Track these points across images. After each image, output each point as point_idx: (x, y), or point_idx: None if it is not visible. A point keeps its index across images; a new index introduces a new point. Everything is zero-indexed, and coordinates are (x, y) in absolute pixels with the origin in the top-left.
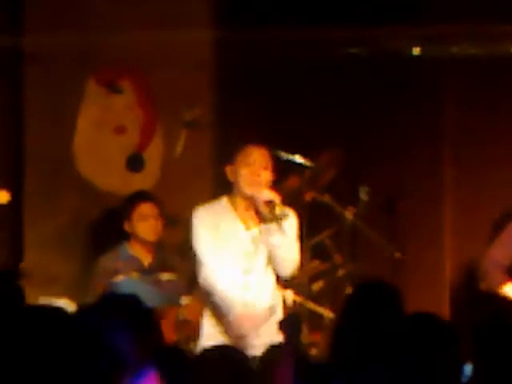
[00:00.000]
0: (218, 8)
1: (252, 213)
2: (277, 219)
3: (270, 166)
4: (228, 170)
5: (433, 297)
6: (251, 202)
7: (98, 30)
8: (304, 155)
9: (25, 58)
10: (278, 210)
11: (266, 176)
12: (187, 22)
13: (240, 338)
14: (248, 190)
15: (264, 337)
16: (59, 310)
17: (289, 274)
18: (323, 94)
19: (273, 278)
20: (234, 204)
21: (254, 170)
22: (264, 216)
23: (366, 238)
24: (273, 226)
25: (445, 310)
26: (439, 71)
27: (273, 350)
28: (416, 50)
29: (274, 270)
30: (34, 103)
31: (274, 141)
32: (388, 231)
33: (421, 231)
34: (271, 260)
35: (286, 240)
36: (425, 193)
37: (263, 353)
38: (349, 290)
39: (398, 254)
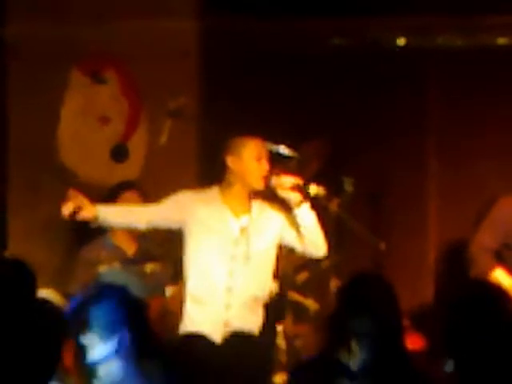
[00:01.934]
0: None
1: (243, 202)
2: (312, 198)
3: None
4: (230, 159)
5: (418, 288)
6: (254, 193)
7: (82, 19)
8: (289, 146)
9: (8, 49)
10: (312, 189)
11: (267, 168)
12: (172, 11)
13: (224, 325)
14: (259, 184)
15: (248, 325)
16: (44, 301)
17: (324, 251)
18: (308, 85)
19: (267, 271)
20: (224, 192)
21: (263, 164)
22: (293, 201)
23: (351, 230)
24: (303, 207)
25: (430, 300)
26: (424, 63)
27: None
28: (401, 41)
29: (308, 252)
30: (18, 94)
31: (259, 131)
32: (373, 222)
33: (405, 222)
34: (305, 243)
35: (314, 217)
36: (409, 184)
37: (230, 341)
38: (333, 282)
39: (382, 245)
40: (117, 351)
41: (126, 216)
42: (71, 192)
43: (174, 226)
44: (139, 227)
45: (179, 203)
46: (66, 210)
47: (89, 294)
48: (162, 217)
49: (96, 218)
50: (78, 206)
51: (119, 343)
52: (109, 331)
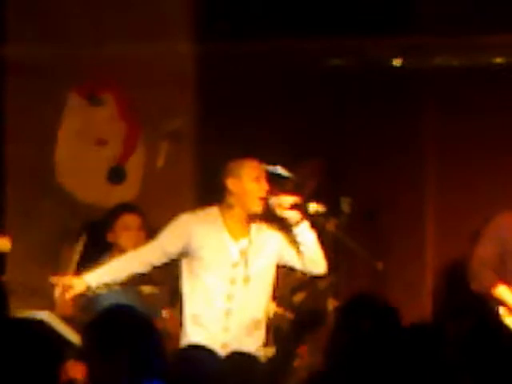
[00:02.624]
0: (200, 21)
1: (243, 225)
2: (312, 216)
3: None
4: (230, 182)
5: (415, 307)
6: (251, 215)
7: (80, 42)
8: (285, 166)
9: (8, 69)
10: (312, 208)
11: (266, 188)
12: (169, 34)
13: (222, 348)
14: (257, 206)
15: (245, 348)
16: (41, 323)
17: (324, 268)
18: (305, 105)
19: (265, 293)
20: (224, 215)
21: (262, 184)
22: (292, 220)
23: (348, 250)
24: (302, 226)
25: (427, 320)
26: (421, 82)
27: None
28: (398, 61)
29: (308, 270)
30: (17, 115)
31: (256, 152)
32: (370, 242)
33: (403, 242)
34: (305, 261)
35: (314, 235)
36: (407, 203)
37: (230, 358)
38: (331, 302)
39: (380, 265)
40: (131, 371)
41: (123, 269)
42: (53, 277)
43: (177, 256)
44: (142, 272)
45: (178, 231)
46: (56, 293)
47: (99, 315)
48: (164, 253)
49: (89, 289)
50: (65, 286)
51: (132, 363)
52: (121, 351)
